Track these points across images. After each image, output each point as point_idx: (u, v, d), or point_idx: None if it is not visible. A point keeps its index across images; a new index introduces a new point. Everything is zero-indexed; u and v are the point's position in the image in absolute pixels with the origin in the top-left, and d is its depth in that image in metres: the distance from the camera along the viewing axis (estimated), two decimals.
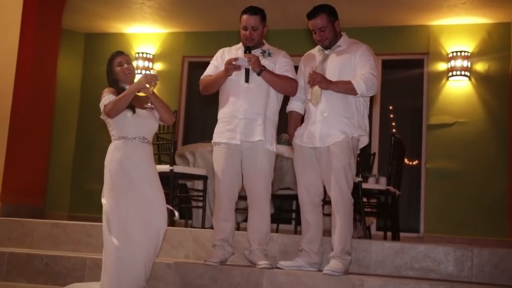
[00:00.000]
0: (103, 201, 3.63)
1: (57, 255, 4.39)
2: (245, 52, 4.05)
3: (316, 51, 4.10)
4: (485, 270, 4.07)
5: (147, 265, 3.59)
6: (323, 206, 4.10)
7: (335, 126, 3.85)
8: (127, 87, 3.80)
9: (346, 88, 3.83)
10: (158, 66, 8.63)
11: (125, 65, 3.83)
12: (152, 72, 3.71)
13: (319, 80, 3.83)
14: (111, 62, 3.87)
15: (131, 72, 3.87)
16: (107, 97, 3.72)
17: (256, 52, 4.10)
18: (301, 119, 4.23)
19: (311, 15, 3.97)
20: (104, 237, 3.60)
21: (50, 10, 6.16)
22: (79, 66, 8.91)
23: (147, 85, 3.68)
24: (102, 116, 3.77)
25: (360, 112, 3.93)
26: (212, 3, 7.64)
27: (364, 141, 3.99)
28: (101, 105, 3.72)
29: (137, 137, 3.71)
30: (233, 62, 3.97)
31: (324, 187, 3.97)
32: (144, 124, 3.74)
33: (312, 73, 3.86)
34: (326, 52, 4.01)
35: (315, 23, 3.96)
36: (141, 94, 3.87)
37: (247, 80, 4.03)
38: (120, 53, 3.92)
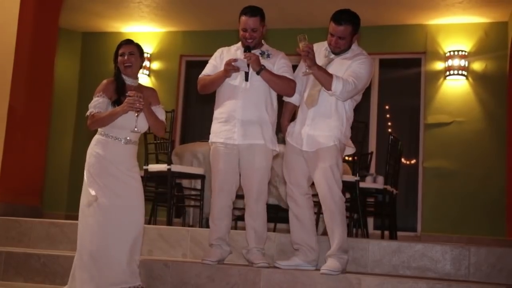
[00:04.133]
0: (90, 191, 3.62)
1: (54, 255, 4.38)
2: (245, 51, 4.03)
3: (323, 48, 4.03)
4: (482, 269, 4.08)
5: (126, 258, 3.57)
6: (319, 206, 4.10)
7: (324, 132, 3.85)
8: (127, 80, 3.78)
9: (325, 78, 3.77)
10: (156, 65, 8.63)
11: (126, 57, 3.76)
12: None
13: (310, 57, 3.74)
14: (117, 50, 3.80)
15: (132, 64, 3.78)
16: (95, 101, 3.69)
17: (255, 52, 4.08)
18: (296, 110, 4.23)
19: (337, 21, 3.83)
20: (79, 228, 3.62)
21: (48, 9, 6.15)
22: (77, 65, 8.91)
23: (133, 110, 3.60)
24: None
25: (349, 119, 3.94)
26: (210, 2, 7.65)
27: (348, 151, 4.01)
28: (89, 107, 3.69)
29: (122, 138, 3.70)
30: (232, 63, 3.96)
31: (312, 186, 3.98)
32: (132, 126, 3.67)
33: (309, 46, 3.74)
34: (332, 56, 3.98)
35: (337, 30, 3.84)
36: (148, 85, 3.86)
37: (246, 79, 4.02)
38: (126, 42, 3.83)
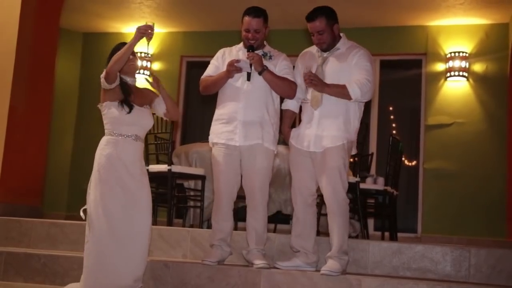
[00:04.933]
0: (89, 191, 3.62)
1: (55, 255, 4.38)
2: (248, 51, 4.03)
3: (314, 50, 4.06)
4: (483, 270, 4.08)
5: (132, 263, 3.56)
6: (320, 207, 4.09)
7: (331, 131, 3.85)
8: (126, 78, 3.78)
9: (341, 92, 3.81)
10: (156, 66, 8.63)
11: (131, 56, 3.79)
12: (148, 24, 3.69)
13: (315, 83, 3.81)
14: (117, 51, 3.78)
15: (134, 64, 3.83)
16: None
17: (258, 53, 4.09)
18: (296, 117, 4.24)
19: (309, 18, 3.92)
20: (86, 231, 3.61)
21: (49, 10, 6.16)
22: (77, 66, 8.90)
23: (146, 41, 3.65)
24: (99, 105, 3.76)
25: (355, 118, 3.94)
26: (211, 3, 7.65)
27: (354, 150, 4.01)
28: (102, 77, 3.67)
29: (131, 135, 3.70)
30: (235, 64, 3.97)
31: (318, 188, 3.98)
32: (139, 122, 3.72)
33: (309, 74, 3.82)
34: (325, 55, 3.99)
35: (313, 26, 3.91)
36: (144, 86, 3.88)
37: (248, 79, 4.02)
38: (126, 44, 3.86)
